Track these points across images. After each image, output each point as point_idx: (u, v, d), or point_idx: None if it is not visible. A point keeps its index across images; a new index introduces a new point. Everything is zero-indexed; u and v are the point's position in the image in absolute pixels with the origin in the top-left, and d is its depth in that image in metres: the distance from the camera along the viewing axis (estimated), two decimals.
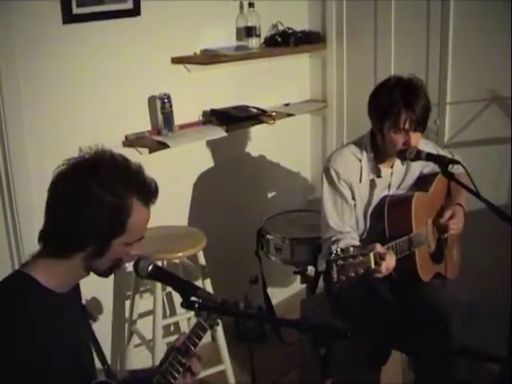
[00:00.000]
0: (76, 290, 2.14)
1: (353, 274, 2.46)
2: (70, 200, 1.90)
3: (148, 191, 2.01)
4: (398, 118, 2.93)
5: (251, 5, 4.16)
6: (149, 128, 3.85)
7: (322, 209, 3.25)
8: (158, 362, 3.42)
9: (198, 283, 3.56)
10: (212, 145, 4.24)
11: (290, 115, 4.52)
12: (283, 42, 4.36)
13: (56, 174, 1.97)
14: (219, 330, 3.64)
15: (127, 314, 3.90)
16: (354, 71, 4.66)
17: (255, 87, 4.47)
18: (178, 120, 3.89)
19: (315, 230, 3.65)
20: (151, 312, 3.62)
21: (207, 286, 3.66)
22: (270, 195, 4.86)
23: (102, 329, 3.82)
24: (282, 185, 4.88)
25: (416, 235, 3.02)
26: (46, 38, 3.29)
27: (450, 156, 3.13)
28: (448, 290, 3.15)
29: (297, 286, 4.86)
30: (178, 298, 1.95)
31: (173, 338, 4.16)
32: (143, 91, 3.79)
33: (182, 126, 3.95)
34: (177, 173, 3.96)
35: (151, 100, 3.82)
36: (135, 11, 3.60)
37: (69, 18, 3.32)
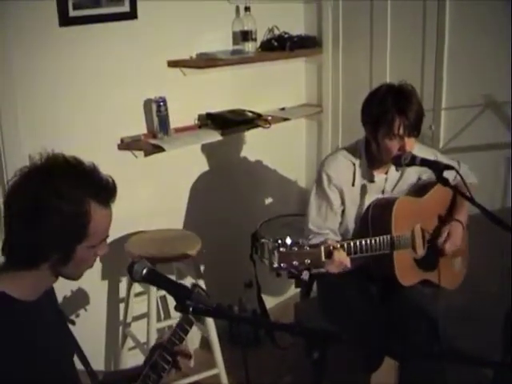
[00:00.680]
0: (49, 294, 2.11)
1: (296, 263, 2.49)
2: (26, 214, 1.87)
3: (105, 191, 1.97)
4: (392, 124, 2.93)
5: (247, 9, 4.16)
6: (144, 131, 3.85)
7: (306, 210, 3.27)
8: None
9: None
10: (207, 148, 4.24)
11: (285, 119, 4.52)
12: (279, 46, 4.37)
13: (9, 187, 1.93)
14: (213, 333, 3.64)
15: (121, 317, 3.89)
16: (349, 76, 4.67)
17: (251, 91, 4.47)
18: (174, 123, 3.89)
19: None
20: (145, 315, 3.62)
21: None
22: (264, 199, 4.86)
23: (96, 332, 3.84)
24: (276, 189, 4.89)
25: (396, 237, 3.01)
26: (43, 41, 3.29)
27: (456, 166, 3.12)
28: (442, 294, 3.16)
29: (291, 291, 4.87)
30: (172, 301, 1.95)
31: None
32: (139, 94, 3.79)
33: (178, 130, 3.95)
34: (172, 176, 3.95)
35: (147, 103, 3.82)
36: (132, 14, 3.60)
37: (65, 20, 3.32)
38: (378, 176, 3.19)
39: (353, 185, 3.17)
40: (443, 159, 3.23)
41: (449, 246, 3.16)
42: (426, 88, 4.10)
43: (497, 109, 3.87)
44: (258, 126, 4.27)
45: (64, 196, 1.85)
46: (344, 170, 3.18)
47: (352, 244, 2.86)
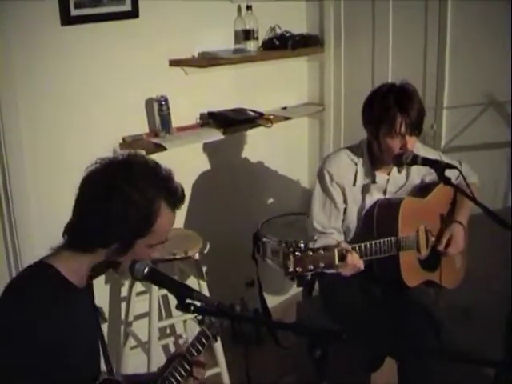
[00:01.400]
0: (90, 289, 2.15)
1: (311, 267, 2.49)
2: (98, 198, 1.93)
3: (175, 196, 2.04)
4: (394, 122, 2.93)
5: (249, 8, 4.17)
6: (146, 130, 3.85)
7: (310, 209, 3.26)
8: (153, 365, 3.47)
9: (194, 286, 3.56)
10: (209, 147, 4.24)
11: (287, 118, 4.52)
12: (281, 45, 4.37)
13: (88, 171, 2.00)
14: None
15: (123, 316, 3.89)
16: (351, 75, 4.67)
17: (253, 90, 4.47)
18: (176, 122, 3.89)
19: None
20: (147, 314, 3.62)
21: (203, 288, 3.66)
22: (266, 198, 4.86)
23: None
24: (278, 188, 4.88)
25: (402, 239, 3.02)
26: (44, 40, 3.29)
27: (457, 165, 3.11)
28: (444, 293, 3.16)
29: (293, 289, 4.87)
30: (173, 301, 1.95)
31: (169, 341, 4.17)
32: (141, 93, 3.79)
33: (180, 129, 3.96)
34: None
35: (149, 102, 3.82)
36: (133, 13, 3.60)
37: (67, 19, 3.32)
38: (380, 176, 3.18)
39: (354, 184, 3.17)
40: (447, 161, 3.24)
41: (452, 250, 3.16)
42: (428, 87, 4.10)
43: (499, 108, 3.87)
44: (259, 124, 4.27)
45: (139, 189, 1.92)
46: (345, 168, 3.18)
47: (363, 246, 2.86)
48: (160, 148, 3.69)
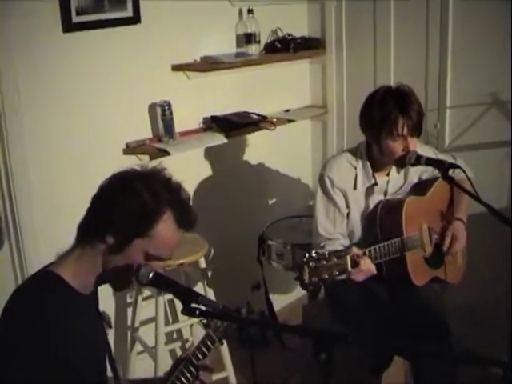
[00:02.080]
0: (95, 295, 2.16)
1: (326, 276, 2.47)
2: (110, 188, 1.98)
3: (185, 216, 2.05)
4: (396, 125, 2.94)
5: (250, 11, 4.17)
6: (149, 135, 3.85)
7: (314, 215, 3.26)
8: (160, 370, 3.47)
9: (200, 290, 3.57)
10: (213, 151, 4.25)
11: (290, 121, 4.52)
12: (283, 48, 4.37)
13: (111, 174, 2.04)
14: None
15: (129, 322, 3.90)
16: (353, 77, 4.67)
17: (255, 93, 4.48)
18: (179, 127, 3.89)
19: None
20: (153, 319, 3.63)
21: (209, 292, 3.67)
22: (271, 201, 4.86)
23: None
24: (283, 191, 4.89)
25: (408, 239, 3.03)
26: (46, 47, 3.29)
27: (451, 160, 3.12)
28: (450, 294, 3.16)
29: (299, 292, 4.86)
30: (180, 305, 1.94)
31: (175, 345, 4.17)
32: (143, 99, 3.79)
33: (183, 133, 3.96)
34: (175, 178, 3.93)
35: (152, 107, 3.83)
36: (135, 19, 3.61)
37: (69, 26, 3.32)
38: (380, 178, 3.19)
39: (354, 188, 3.18)
40: (441, 156, 3.24)
41: (455, 248, 3.17)
42: (430, 86, 4.11)
43: (502, 107, 3.87)
44: (262, 128, 4.27)
45: (150, 188, 1.96)
46: (345, 173, 3.19)
47: (373, 250, 2.86)
48: (163, 153, 3.69)
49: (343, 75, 4.72)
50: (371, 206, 3.20)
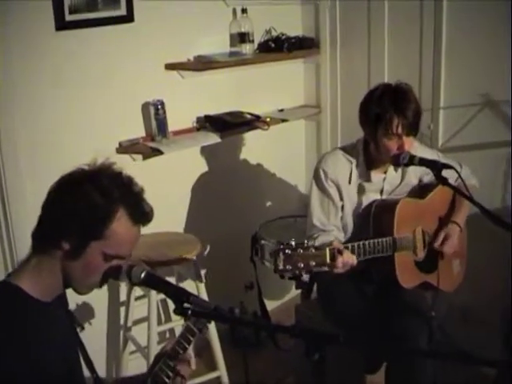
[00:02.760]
0: (62, 298, 2.11)
1: (301, 265, 2.48)
2: (60, 193, 1.94)
3: (140, 211, 2.00)
4: (391, 124, 2.94)
5: (244, 11, 4.17)
6: (143, 134, 3.84)
7: (309, 208, 3.27)
8: None
9: (193, 289, 3.56)
10: (206, 151, 4.24)
11: (284, 121, 4.52)
12: (277, 47, 4.37)
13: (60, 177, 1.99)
14: (214, 336, 3.64)
15: (122, 321, 3.89)
16: (347, 76, 4.67)
17: (249, 93, 4.47)
18: (172, 126, 3.89)
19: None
20: (146, 318, 3.62)
21: (202, 292, 3.66)
22: (264, 201, 4.85)
23: (97, 336, 3.83)
24: (276, 190, 4.88)
25: (398, 239, 3.02)
26: (39, 45, 3.28)
27: (457, 167, 3.10)
28: (442, 298, 3.15)
29: (292, 292, 4.86)
30: (172, 305, 1.94)
31: None
32: (137, 98, 3.78)
33: (176, 133, 3.95)
34: (171, 179, 3.94)
35: (145, 106, 3.82)
36: (129, 18, 3.60)
37: (62, 24, 3.31)
38: (376, 176, 3.19)
39: (349, 183, 3.18)
40: (445, 161, 3.23)
41: (446, 248, 3.16)
42: (424, 87, 4.10)
43: (495, 107, 3.87)
44: (256, 127, 4.27)
45: (100, 188, 1.92)
46: (341, 166, 3.20)
47: (356, 246, 2.86)
48: (157, 152, 3.68)
49: (337, 75, 4.72)
50: (365, 202, 3.20)
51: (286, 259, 2.46)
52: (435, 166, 2.81)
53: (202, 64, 3.96)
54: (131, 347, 3.86)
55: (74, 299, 2.53)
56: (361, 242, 2.88)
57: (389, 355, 2.97)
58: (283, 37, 4.43)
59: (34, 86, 3.29)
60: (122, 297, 3.86)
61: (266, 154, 4.69)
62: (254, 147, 4.57)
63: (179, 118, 3.98)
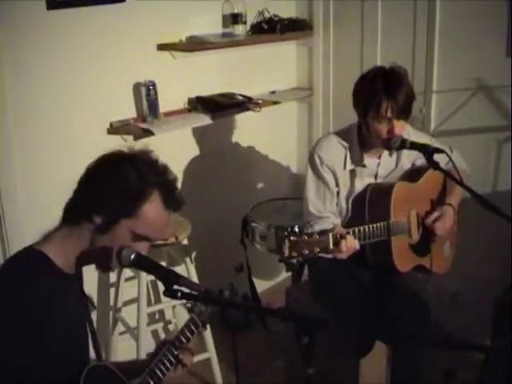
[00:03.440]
0: (80, 275, 2.15)
1: (307, 252, 2.49)
2: (98, 169, 1.99)
3: (172, 197, 2.05)
4: (380, 107, 2.92)
5: None
6: (134, 115, 3.83)
7: (304, 194, 3.26)
8: (142, 351, 3.47)
9: (183, 271, 3.56)
10: (197, 132, 4.23)
11: (276, 103, 4.51)
12: (269, 29, 4.35)
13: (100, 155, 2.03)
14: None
15: (112, 302, 3.89)
16: (340, 59, 4.66)
17: (241, 74, 4.46)
18: (163, 107, 3.87)
19: (301, 218, 3.65)
20: (136, 300, 3.62)
21: (192, 274, 3.66)
22: (255, 183, 4.85)
23: None
24: (267, 172, 4.88)
25: (395, 223, 3.02)
26: (30, 25, 3.24)
27: (447, 150, 3.10)
28: (434, 279, 3.17)
29: (282, 275, 4.87)
30: (162, 286, 1.94)
31: (157, 326, 4.17)
32: (128, 78, 3.76)
33: (167, 114, 3.94)
34: (161, 160, 3.91)
35: (136, 87, 3.79)
36: None
37: (53, 3, 3.27)
38: (370, 160, 3.18)
39: (344, 168, 3.17)
40: (437, 145, 3.23)
41: (438, 226, 3.16)
42: (417, 70, 4.09)
43: (488, 92, 3.87)
44: (248, 109, 4.26)
45: (137, 169, 1.96)
46: (335, 152, 3.18)
47: (357, 230, 2.85)
48: (148, 133, 3.67)
49: (330, 57, 4.70)
50: (360, 188, 3.19)
51: (292, 246, 2.46)
52: (427, 150, 2.81)
53: (195, 45, 3.94)
54: (121, 328, 3.87)
55: None
56: (361, 228, 2.88)
57: (386, 338, 2.99)
58: (276, 18, 4.41)
59: (24, 66, 3.26)
60: (112, 278, 3.85)
61: (257, 136, 4.68)
62: (246, 129, 4.56)
63: (171, 98, 3.96)
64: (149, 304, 3.93)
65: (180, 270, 3.66)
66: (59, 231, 2.00)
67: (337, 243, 2.65)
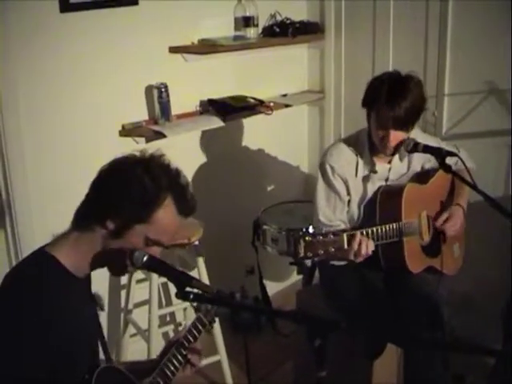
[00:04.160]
0: (89, 279, 2.16)
1: (322, 252, 2.51)
2: (111, 173, 1.98)
3: (185, 202, 2.04)
4: (378, 114, 2.93)
5: None
6: (146, 117, 3.84)
7: (314, 203, 3.25)
8: (153, 353, 3.48)
9: (195, 274, 3.56)
10: (209, 135, 4.23)
11: (287, 106, 4.51)
12: (281, 32, 4.34)
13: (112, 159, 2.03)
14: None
15: (123, 304, 3.89)
16: (352, 62, 4.65)
17: (253, 77, 4.46)
18: (175, 110, 3.88)
19: (311, 222, 3.65)
20: (147, 302, 3.63)
21: (203, 276, 3.66)
22: (266, 185, 4.85)
23: None
24: (279, 175, 4.88)
25: (406, 224, 3.02)
26: (43, 27, 3.26)
27: (454, 149, 3.09)
28: (445, 281, 3.16)
29: (293, 277, 4.87)
30: (173, 288, 1.94)
31: (168, 328, 4.18)
32: (140, 80, 3.77)
33: (179, 116, 3.94)
34: (173, 162, 3.91)
35: (148, 89, 3.81)
36: (133, 0, 3.58)
37: (66, 6, 3.29)
38: (381, 165, 3.17)
39: (356, 175, 3.16)
40: (448, 148, 3.22)
41: (449, 227, 3.15)
42: (429, 74, 4.09)
43: (500, 96, 3.86)
44: (259, 112, 4.26)
45: (151, 174, 1.95)
46: (347, 160, 3.17)
47: (370, 231, 2.85)
48: (159, 135, 3.68)
49: (341, 60, 4.69)
50: (370, 192, 3.18)
51: (307, 246, 2.47)
52: (439, 154, 2.81)
53: (206, 47, 3.94)
54: (132, 330, 3.87)
55: None
56: (373, 228, 2.87)
57: (399, 341, 2.99)
58: (288, 21, 4.41)
59: (37, 69, 3.28)
60: (123, 280, 3.86)
61: (268, 139, 4.68)
62: (257, 132, 4.56)
63: (182, 101, 3.97)
64: (160, 306, 3.93)
65: (191, 272, 3.67)
66: (70, 236, 1.99)
67: (351, 243, 2.66)
